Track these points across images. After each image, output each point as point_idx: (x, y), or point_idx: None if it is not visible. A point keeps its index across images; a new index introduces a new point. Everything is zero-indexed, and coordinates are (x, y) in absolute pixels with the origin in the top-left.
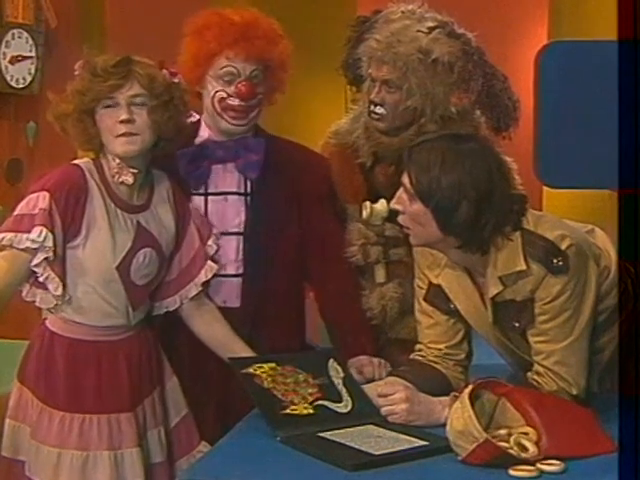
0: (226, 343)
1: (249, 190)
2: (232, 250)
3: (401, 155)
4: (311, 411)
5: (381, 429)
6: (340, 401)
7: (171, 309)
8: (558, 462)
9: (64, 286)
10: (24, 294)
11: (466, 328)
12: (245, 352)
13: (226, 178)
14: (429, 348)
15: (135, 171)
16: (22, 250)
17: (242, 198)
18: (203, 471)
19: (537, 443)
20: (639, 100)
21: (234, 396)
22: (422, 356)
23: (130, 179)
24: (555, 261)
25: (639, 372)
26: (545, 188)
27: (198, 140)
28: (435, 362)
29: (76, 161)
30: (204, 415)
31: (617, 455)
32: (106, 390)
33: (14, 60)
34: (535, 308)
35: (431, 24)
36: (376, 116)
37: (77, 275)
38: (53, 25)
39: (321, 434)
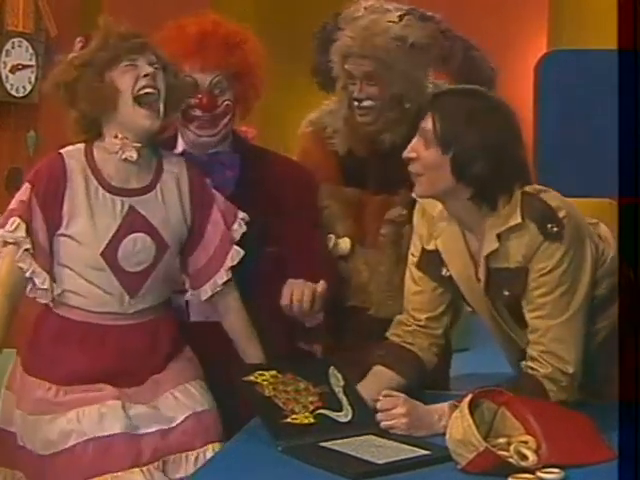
0: (238, 340)
1: None
2: None
3: (378, 146)
4: (312, 420)
5: (381, 439)
6: (340, 410)
7: (203, 299)
8: (558, 470)
9: (53, 279)
10: (27, 291)
11: (450, 302)
12: (256, 351)
13: None
14: (411, 317)
15: (138, 145)
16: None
17: None
18: None
19: (537, 451)
20: (639, 109)
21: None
22: (398, 335)
23: (134, 154)
24: (550, 226)
25: (639, 380)
26: None
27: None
28: (411, 343)
29: (63, 149)
30: None
31: (617, 463)
32: (91, 369)
33: (14, 69)
34: (531, 281)
35: (399, 13)
36: (364, 110)
37: (66, 263)
38: (53, 34)
39: (322, 444)
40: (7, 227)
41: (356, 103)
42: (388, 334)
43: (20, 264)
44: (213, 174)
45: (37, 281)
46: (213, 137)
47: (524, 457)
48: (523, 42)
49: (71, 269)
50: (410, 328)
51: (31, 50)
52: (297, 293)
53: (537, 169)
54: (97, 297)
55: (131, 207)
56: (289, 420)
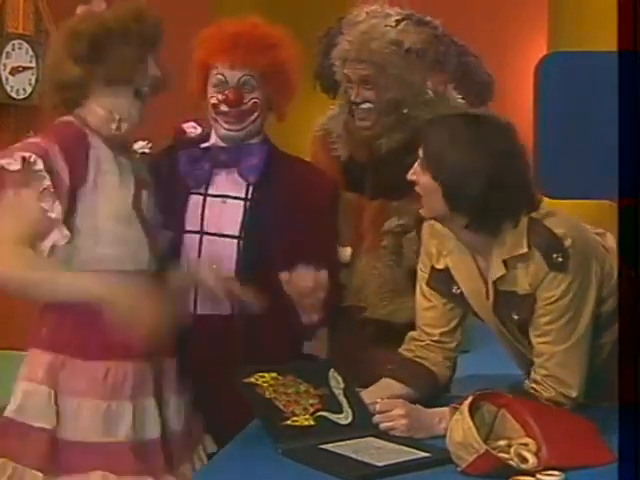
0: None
1: (249, 196)
2: (227, 253)
3: (374, 152)
4: (312, 422)
5: (381, 441)
6: (341, 412)
7: None
8: (558, 473)
9: (72, 233)
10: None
11: (462, 316)
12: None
13: (227, 182)
14: (424, 332)
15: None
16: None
17: (241, 202)
18: None
19: (537, 454)
20: (639, 109)
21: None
22: (410, 350)
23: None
24: (555, 256)
25: (638, 382)
26: (545, 199)
27: (204, 145)
28: (424, 358)
29: (63, 117)
30: None
31: (617, 465)
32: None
33: (14, 71)
34: (538, 308)
35: (397, 17)
36: (362, 114)
37: (92, 220)
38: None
39: (322, 446)
40: (24, 155)
41: (353, 107)
42: (400, 350)
43: (42, 203)
44: (240, 163)
45: (56, 231)
46: (239, 132)
47: (524, 459)
48: (523, 42)
49: (97, 224)
50: (423, 343)
51: (31, 52)
52: (301, 272)
53: (537, 171)
54: (124, 254)
55: (134, 164)
56: (289, 422)
